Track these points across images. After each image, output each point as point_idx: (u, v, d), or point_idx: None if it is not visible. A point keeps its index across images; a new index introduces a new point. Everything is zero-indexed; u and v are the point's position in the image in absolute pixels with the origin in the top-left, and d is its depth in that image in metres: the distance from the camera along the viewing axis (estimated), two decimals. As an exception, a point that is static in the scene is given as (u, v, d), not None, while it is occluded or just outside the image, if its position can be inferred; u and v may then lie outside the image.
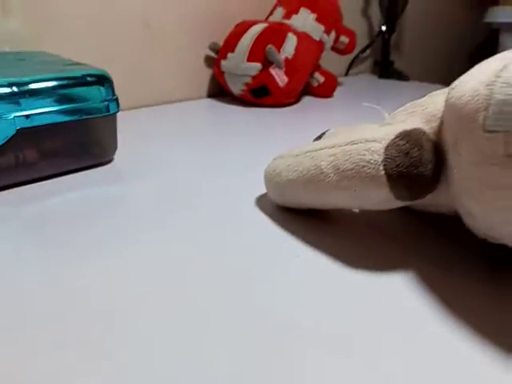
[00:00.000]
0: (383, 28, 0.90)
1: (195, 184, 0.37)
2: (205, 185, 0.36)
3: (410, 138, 0.24)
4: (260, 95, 0.62)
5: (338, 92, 0.73)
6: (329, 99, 0.71)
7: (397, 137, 0.24)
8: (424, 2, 1.07)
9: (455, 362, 0.19)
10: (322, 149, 0.28)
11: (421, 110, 0.27)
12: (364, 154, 0.24)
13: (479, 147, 0.21)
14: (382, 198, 0.25)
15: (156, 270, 0.25)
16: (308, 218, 0.31)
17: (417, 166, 0.23)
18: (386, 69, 0.93)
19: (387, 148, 0.24)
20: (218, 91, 0.69)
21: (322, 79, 0.70)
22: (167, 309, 0.22)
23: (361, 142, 0.25)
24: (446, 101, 0.23)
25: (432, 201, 0.26)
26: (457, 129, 0.22)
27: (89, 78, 0.37)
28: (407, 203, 0.25)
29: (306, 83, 0.69)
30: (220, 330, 0.21)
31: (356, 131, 0.28)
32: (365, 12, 0.97)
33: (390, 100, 0.71)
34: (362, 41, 0.93)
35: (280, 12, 0.67)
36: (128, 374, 0.18)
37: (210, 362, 0.19)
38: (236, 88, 0.63)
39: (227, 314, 0.22)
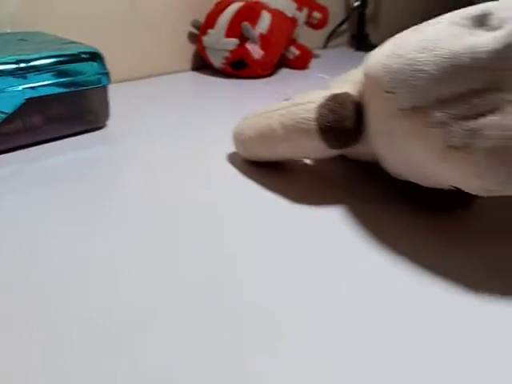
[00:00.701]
0: (356, 3, 0.96)
1: (178, 145, 0.43)
2: (186, 145, 0.43)
3: (336, 99, 0.30)
4: (238, 67, 0.68)
5: (313, 64, 0.79)
6: (304, 71, 0.77)
7: (327, 99, 0.31)
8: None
9: (384, 282, 0.27)
10: (274, 110, 0.34)
11: (351, 77, 0.33)
12: (301, 113, 0.31)
13: (381, 104, 0.27)
14: (317, 148, 0.32)
15: (135, 224, 0.32)
16: (268, 168, 0.38)
17: (341, 120, 0.30)
18: (361, 42, 0.99)
19: (319, 107, 0.30)
20: (201, 65, 0.75)
21: (297, 52, 0.76)
22: (150, 263, 0.29)
23: (301, 104, 0.32)
24: (363, 69, 0.30)
25: (360, 150, 0.33)
26: (369, 91, 0.29)
27: (83, 55, 0.43)
28: (339, 152, 0.32)
29: (283, 56, 0.74)
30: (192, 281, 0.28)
31: (305, 95, 0.34)
32: (342, -14, 1.02)
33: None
34: (339, 15, 0.98)
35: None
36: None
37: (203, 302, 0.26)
38: (217, 61, 0.69)
39: (198, 258, 0.29)
